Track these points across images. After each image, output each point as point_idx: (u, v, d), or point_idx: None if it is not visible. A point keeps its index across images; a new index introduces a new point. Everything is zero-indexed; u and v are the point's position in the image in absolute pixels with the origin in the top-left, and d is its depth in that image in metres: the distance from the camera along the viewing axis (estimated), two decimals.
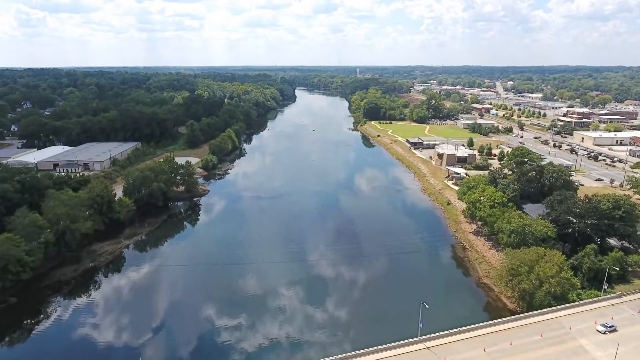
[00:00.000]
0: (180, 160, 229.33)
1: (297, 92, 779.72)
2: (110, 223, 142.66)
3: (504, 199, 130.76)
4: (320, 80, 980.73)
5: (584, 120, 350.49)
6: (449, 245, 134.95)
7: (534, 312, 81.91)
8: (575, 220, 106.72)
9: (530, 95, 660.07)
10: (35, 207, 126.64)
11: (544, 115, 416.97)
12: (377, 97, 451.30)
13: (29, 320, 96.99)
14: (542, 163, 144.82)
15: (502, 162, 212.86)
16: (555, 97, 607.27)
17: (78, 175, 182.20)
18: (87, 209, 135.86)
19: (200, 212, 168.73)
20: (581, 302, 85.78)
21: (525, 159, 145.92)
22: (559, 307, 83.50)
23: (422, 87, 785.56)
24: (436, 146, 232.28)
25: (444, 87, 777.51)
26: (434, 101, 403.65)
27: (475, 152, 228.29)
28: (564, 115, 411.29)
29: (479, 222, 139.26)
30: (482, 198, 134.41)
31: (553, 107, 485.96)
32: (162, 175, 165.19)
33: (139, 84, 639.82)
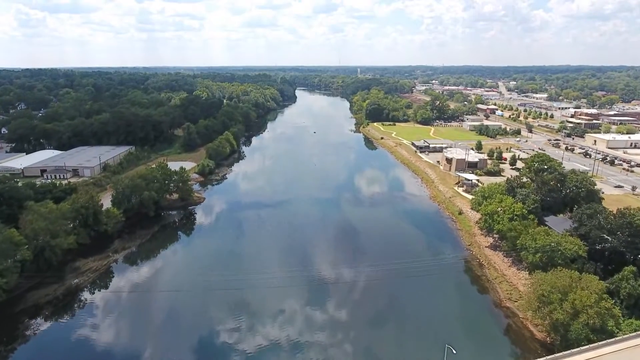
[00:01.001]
0: (176, 165, 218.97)
1: (298, 93, 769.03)
2: (97, 236, 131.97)
3: (523, 210, 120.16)
4: (320, 81, 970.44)
5: (594, 121, 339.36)
6: (463, 260, 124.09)
7: (573, 351, 71.08)
8: (609, 238, 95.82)
9: (534, 95, 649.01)
10: (14, 220, 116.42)
11: (551, 116, 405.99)
12: (379, 97, 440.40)
13: None
14: (563, 170, 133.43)
15: (514, 167, 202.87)
16: (560, 98, 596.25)
17: (65, 182, 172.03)
18: (72, 221, 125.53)
19: (194, 223, 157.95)
20: (626, 336, 74.95)
21: (545, 166, 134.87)
22: (601, 343, 72.73)
23: (424, 87, 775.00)
24: (444, 150, 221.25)
25: (446, 87, 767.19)
26: (438, 102, 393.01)
27: (485, 156, 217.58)
28: (572, 116, 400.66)
29: (495, 235, 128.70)
30: (499, 209, 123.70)
31: (559, 108, 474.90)
32: (154, 183, 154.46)
33: (137, 85, 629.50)
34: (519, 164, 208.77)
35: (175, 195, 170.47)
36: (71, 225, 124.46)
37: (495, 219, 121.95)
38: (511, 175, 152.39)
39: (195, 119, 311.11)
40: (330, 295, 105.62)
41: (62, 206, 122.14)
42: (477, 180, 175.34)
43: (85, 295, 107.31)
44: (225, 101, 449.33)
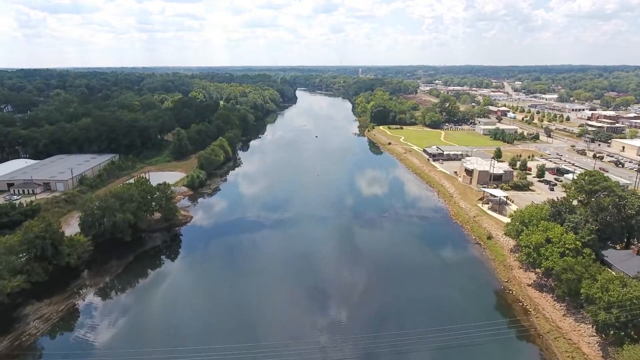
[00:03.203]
0: (163, 176, 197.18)
1: (298, 93, 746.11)
2: (58, 271, 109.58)
3: (577, 243, 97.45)
4: (321, 81, 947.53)
5: (618, 125, 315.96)
6: (502, 304, 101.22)
7: None
8: None
9: (543, 96, 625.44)
10: None
11: (567, 119, 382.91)
12: (384, 99, 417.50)
13: None
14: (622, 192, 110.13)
15: (542, 179, 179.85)
16: (571, 99, 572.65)
17: (32, 199, 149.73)
18: (24, 254, 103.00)
19: (178, 249, 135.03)
20: None
21: (599, 187, 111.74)
22: None
23: (428, 88, 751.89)
24: (463, 160, 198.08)
25: (450, 88, 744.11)
26: (448, 104, 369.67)
27: (506, 164, 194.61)
28: (589, 118, 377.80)
29: (538, 270, 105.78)
30: (544, 240, 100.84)
31: (573, 110, 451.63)
32: (131, 203, 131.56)
33: (132, 86, 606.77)
34: (548, 176, 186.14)
35: (158, 214, 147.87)
36: (23, 259, 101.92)
37: (542, 254, 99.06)
38: (554, 199, 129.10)
39: (188, 123, 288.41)
40: None
41: (8, 238, 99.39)
42: (506, 197, 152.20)
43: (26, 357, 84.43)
44: (222, 103, 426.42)
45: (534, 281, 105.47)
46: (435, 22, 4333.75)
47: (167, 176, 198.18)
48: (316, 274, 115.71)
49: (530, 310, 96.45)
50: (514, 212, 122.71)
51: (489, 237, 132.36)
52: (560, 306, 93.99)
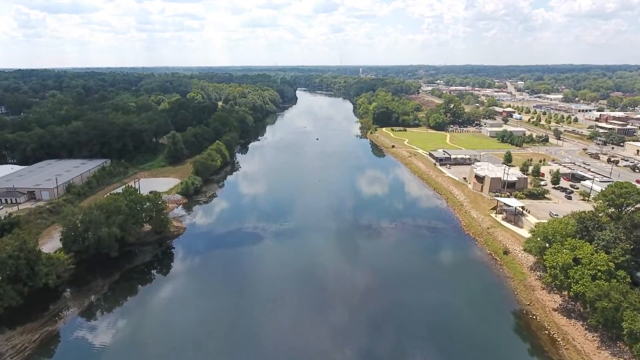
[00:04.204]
0: (157, 183, 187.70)
1: (299, 93, 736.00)
2: (36, 292, 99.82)
3: (610, 264, 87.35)
4: (322, 81, 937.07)
5: (629, 127, 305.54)
6: (525, 332, 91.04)
7: None
8: None
9: (547, 96, 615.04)
10: None
11: (575, 120, 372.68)
12: (387, 100, 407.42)
13: None
14: None
15: (557, 186, 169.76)
16: (577, 99, 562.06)
17: (14, 210, 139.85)
18: None
19: (170, 265, 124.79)
20: None
21: (632, 201, 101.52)
22: None
23: (430, 88, 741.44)
24: (473, 165, 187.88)
25: (452, 88, 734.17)
26: (452, 105, 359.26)
27: (517, 170, 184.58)
28: (597, 120, 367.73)
29: (564, 292, 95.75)
30: (572, 260, 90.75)
31: (580, 110, 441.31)
32: (118, 215, 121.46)
33: (129, 86, 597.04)
34: (563, 182, 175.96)
35: (148, 226, 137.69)
36: None
37: (570, 276, 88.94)
38: (580, 212, 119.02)
39: (185, 125, 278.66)
40: None
41: None
42: (523, 207, 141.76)
43: None
44: (220, 104, 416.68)
45: (560, 305, 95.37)
46: (436, 21, 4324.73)
47: (160, 183, 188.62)
48: (320, 294, 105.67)
49: (559, 339, 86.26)
50: (535, 226, 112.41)
51: (506, 252, 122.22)
52: (593, 336, 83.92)
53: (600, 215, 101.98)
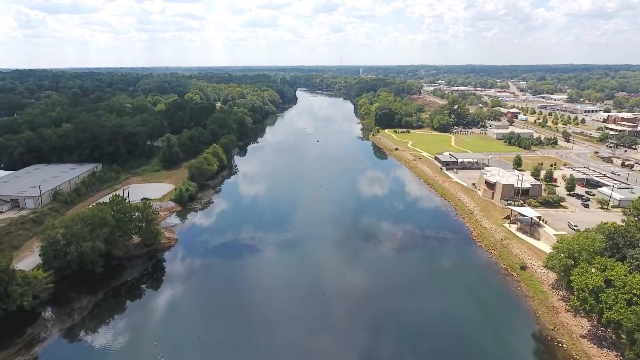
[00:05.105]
0: (150, 189, 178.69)
1: (299, 94, 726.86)
2: (10, 315, 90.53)
3: None
4: (322, 81, 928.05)
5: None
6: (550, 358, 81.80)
7: None
8: None
9: (551, 96, 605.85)
10: None
11: (582, 121, 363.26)
12: (389, 100, 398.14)
13: None
14: None
15: (571, 192, 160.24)
16: (581, 99, 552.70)
17: None
18: None
19: (160, 282, 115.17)
20: None
21: None
22: None
23: (431, 88, 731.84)
24: (482, 170, 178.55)
25: (454, 88, 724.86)
26: (457, 105, 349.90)
27: (528, 174, 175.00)
28: (604, 121, 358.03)
29: (592, 314, 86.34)
30: (603, 282, 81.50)
31: (586, 111, 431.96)
32: (102, 228, 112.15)
33: (127, 87, 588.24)
34: (578, 189, 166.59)
35: (137, 238, 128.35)
36: None
37: (603, 300, 79.66)
38: (596, 218, 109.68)
39: (181, 127, 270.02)
40: None
41: None
42: (539, 217, 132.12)
43: None
44: (219, 104, 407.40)
45: (589, 331, 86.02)
46: (436, 21, 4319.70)
47: (153, 189, 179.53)
48: (323, 314, 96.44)
49: None
50: (558, 241, 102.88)
51: (523, 267, 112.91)
52: None
53: (632, 230, 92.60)
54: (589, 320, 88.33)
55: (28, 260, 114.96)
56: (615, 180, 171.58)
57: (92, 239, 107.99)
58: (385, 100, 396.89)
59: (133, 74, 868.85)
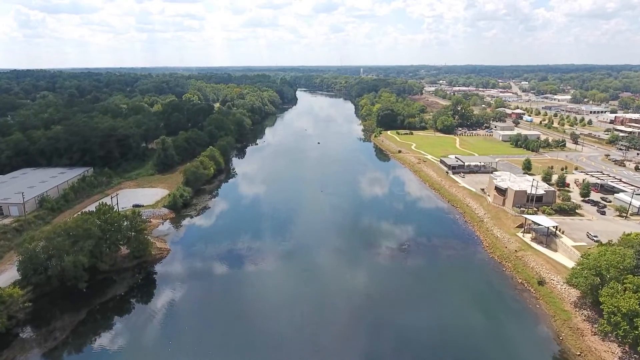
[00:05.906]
0: (142, 194, 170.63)
1: (299, 94, 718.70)
2: None
3: None
4: (322, 81, 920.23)
5: None
6: None
7: None
8: None
9: (555, 97, 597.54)
10: None
11: (589, 123, 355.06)
12: (391, 101, 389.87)
13: None
14: None
15: (586, 198, 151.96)
16: (585, 100, 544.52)
17: None
18: None
19: (149, 298, 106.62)
20: None
21: None
22: None
23: (433, 88, 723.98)
24: (492, 174, 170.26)
25: (456, 88, 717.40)
26: (460, 106, 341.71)
27: (539, 179, 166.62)
28: (612, 122, 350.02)
29: (625, 339, 78.03)
30: (637, 306, 73.26)
31: (591, 112, 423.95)
32: (86, 241, 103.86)
33: (124, 87, 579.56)
34: (593, 195, 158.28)
35: (126, 249, 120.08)
36: None
37: (638, 326, 71.41)
38: (616, 227, 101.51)
39: (178, 129, 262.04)
40: None
41: None
42: (556, 227, 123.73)
43: None
44: (217, 105, 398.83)
45: (621, 359, 77.68)
46: (436, 21, 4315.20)
47: (146, 194, 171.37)
48: (325, 333, 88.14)
49: None
50: (582, 256, 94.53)
51: (541, 283, 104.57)
52: None
53: None
54: (619, 346, 79.99)
55: (8, 275, 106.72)
56: (632, 185, 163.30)
57: (74, 253, 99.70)
58: (387, 101, 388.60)
59: (131, 74, 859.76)
